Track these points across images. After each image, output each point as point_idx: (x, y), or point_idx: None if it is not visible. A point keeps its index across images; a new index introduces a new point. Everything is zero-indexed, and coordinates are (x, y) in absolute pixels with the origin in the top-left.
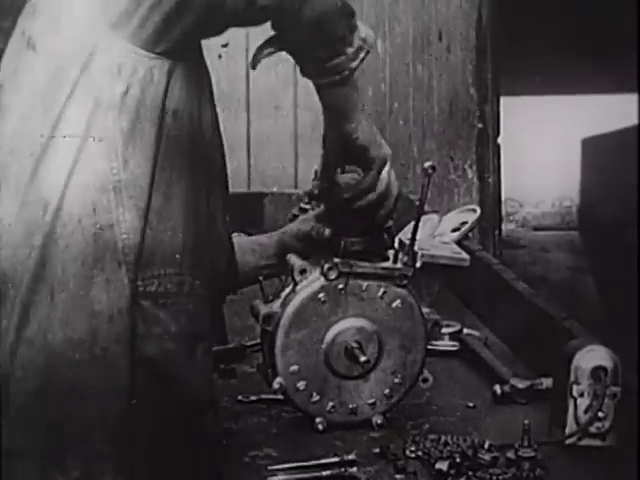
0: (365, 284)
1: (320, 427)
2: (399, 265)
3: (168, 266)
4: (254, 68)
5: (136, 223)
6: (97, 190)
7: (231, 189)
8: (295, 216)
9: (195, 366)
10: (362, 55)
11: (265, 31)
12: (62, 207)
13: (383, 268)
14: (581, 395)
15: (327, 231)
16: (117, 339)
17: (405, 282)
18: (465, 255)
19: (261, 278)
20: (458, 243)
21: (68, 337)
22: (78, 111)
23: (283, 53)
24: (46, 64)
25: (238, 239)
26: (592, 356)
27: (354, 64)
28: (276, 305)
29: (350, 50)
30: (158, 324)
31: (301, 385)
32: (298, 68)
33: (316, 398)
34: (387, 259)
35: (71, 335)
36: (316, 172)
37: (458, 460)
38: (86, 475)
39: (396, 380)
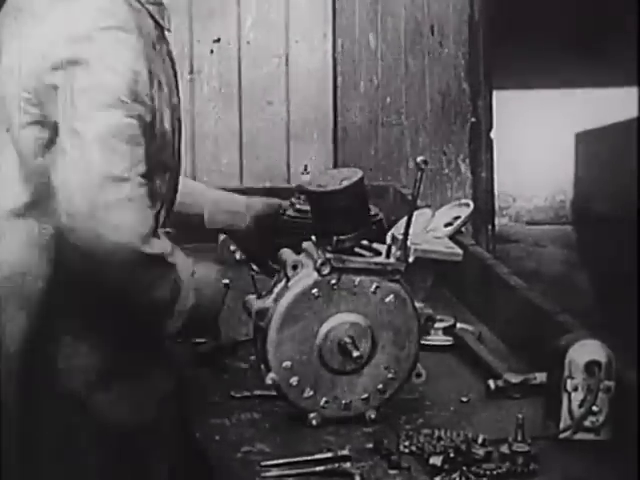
0: (358, 279)
1: (314, 422)
2: (392, 260)
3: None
4: None
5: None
6: None
7: (223, 185)
8: (285, 211)
9: (110, 399)
10: None
11: (259, 29)
12: None
13: (376, 263)
14: (575, 389)
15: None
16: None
17: (398, 277)
18: (458, 250)
19: (253, 274)
20: (451, 238)
21: None
22: None
23: (271, 46)
24: None
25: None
26: (586, 350)
27: None
28: (269, 300)
29: None
30: (78, 358)
31: (294, 380)
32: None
33: (309, 393)
34: (380, 254)
35: None
36: (306, 166)
37: (452, 455)
38: None
39: (389, 375)
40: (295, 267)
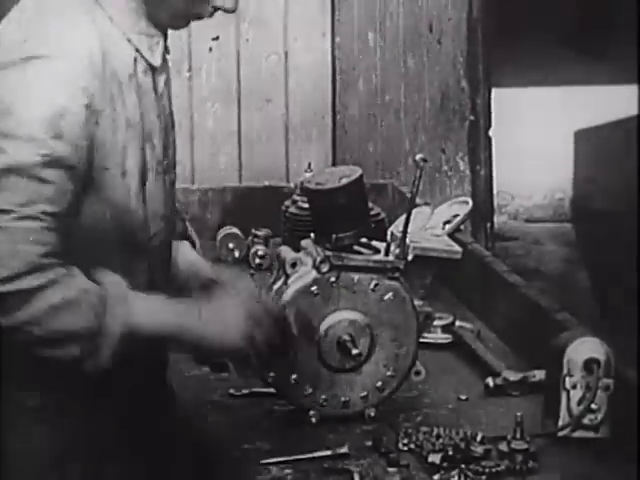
0: (357, 277)
1: (313, 420)
2: (391, 258)
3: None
4: None
5: None
6: None
7: (223, 184)
8: (287, 208)
9: None
10: None
11: (257, 27)
12: None
13: (375, 261)
14: (574, 387)
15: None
16: None
17: (397, 275)
18: (457, 247)
19: (252, 272)
20: (450, 235)
21: None
22: None
23: (270, 44)
24: None
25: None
26: (585, 348)
27: None
28: None
29: None
30: (31, 440)
31: (293, 378)
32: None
33: (309, 391)
34: (379, 252)
35: None
36: (309, 164)
37: (451, 453)
38: None
39: (388, 373)
40: (294, 265)
